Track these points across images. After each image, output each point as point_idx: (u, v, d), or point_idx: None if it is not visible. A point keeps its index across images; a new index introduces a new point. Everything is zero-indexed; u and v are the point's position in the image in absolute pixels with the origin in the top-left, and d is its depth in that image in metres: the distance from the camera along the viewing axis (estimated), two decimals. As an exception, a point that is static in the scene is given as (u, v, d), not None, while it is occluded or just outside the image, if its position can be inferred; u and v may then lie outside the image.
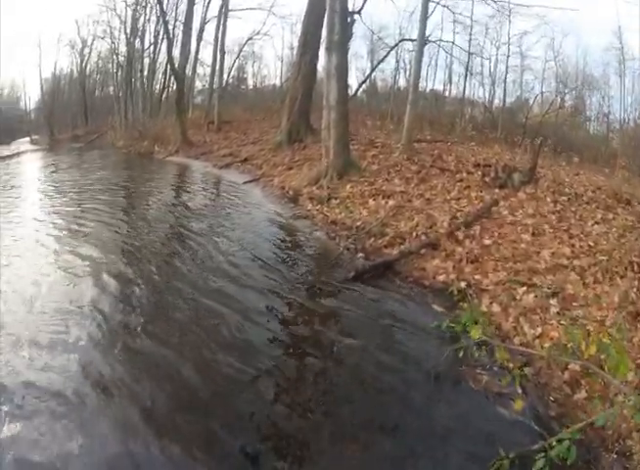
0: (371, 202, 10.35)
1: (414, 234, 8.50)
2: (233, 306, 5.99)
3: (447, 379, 4.66)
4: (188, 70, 30.82)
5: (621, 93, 22.91)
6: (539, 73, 25.32)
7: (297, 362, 5.02)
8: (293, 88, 18.43)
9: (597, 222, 8.79)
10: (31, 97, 45.77)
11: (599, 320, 5.47)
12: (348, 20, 13.31)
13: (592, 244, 7.72)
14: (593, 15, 24.26)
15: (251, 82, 38.26)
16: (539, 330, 5.47)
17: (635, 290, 6.11)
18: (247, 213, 10.76)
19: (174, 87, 27.67)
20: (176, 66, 24.84)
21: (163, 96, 33.47)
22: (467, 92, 27.29)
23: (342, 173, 11.91)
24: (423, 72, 27.64)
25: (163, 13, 25.56)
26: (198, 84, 35.22)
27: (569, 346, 4.07)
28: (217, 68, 27.14)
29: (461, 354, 4.48)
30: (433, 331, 5.51)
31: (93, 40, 38.79)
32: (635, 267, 6.70)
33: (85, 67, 41.58)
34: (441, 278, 7.02)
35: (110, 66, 37.73)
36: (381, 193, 10.71)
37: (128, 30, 31.71)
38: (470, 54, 24.49)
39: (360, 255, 8.06)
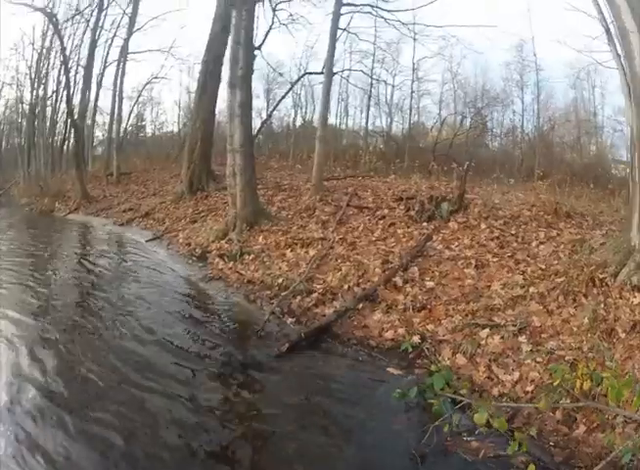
0: (289, 253, 9.44)
1: (345, 287, 7.70)
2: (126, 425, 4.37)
3: (436, 457, 4.01)
4: (88, 119, 29.27)
5: (522, 105, 23.65)
6: (437, 97, 25.67)
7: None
8: (192, 133, 17.47)
9: (542, 242, 8.36)
10: None
11: (576, 348, 5.22)
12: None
13: (544, 266, 7.24)
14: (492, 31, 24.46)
15: (149, 129, 36.85)
16: (516, 374, 5.08)
17: (603, 306, 5.81)
18: (150, 282, 9.35)
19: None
20: (75, 115, 23.56)
21: (65, 148, 31.11)
22: (365, 123, 27.34)
23: (253, 223, 10.93)
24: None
25: (65, 57, 24.03)
26: (98, 134, 33.27)
27: (556, 385, 3.92)
28: (116, 115, 26.15)
29: (446, 428, 3.85)
30: (397, 403, 4.61)
31: (1, 88, 35.73)
32: (596, 282, 6.25)
33: None
34: (389, 335, 6.33)
35: (15, 116, 34.65)
36: (298, 242, 9.79)
37: (34, 76, 29.48)
38: (377, 81, 24.82)
39: (289, 320, 7.07)
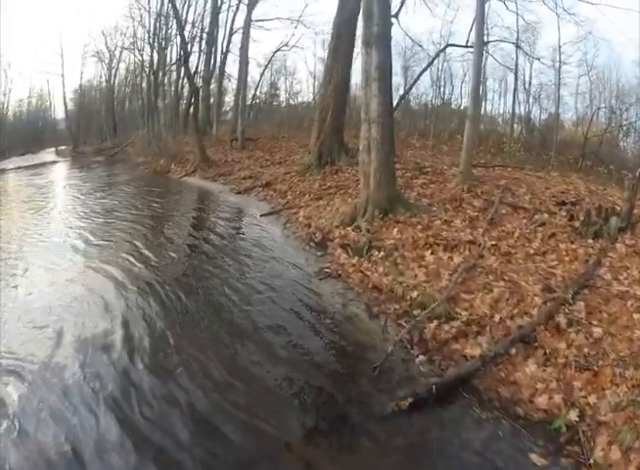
0: (428, 256, 7.46)
1: (496, 317, 5.61)
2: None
3: None
4: (213, 84, 30.17)
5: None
6: (573, 88, 23.03)
7: None
8: (323, 102, 15.77)
9: None
10: (59, 107, 44.99)
11: None
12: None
13: None
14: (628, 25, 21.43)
15: (283, 98, 36.84)
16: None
17: None
18: (256, 269, 7.93)
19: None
20: (197, 79, 23.44)
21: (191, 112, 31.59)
22: (511, 108, 25.09)
23: (387, 210, 9.03)
24: (457, 90, 26.79)
25: (179, 21, 23.49)
26: (229, 99, 33.74)
27: None
28: (242, 81, 25.43)
29: None
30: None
31: (121, 52, 38.26)
32: None
33: (114, 79, 41.03)
34: (542, 401, 4.33)
35: (138, 78, 36.39)
36: (441, 242, 7.81)
37: (154, 42, 30.35)
38: (529, 57, 22.38)
39: (419, 356, 5.15)
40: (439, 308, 5.83)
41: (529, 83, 24.35)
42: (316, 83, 32.28)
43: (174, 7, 22.04)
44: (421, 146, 19.31)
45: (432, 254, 7.53)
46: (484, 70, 24.04)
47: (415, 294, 6.37)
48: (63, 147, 39.02)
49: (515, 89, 24.09)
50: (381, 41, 9.07)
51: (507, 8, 19.07)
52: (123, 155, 29.77)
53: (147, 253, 8.81)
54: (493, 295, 6.04)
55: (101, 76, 42.11)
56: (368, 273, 7.18)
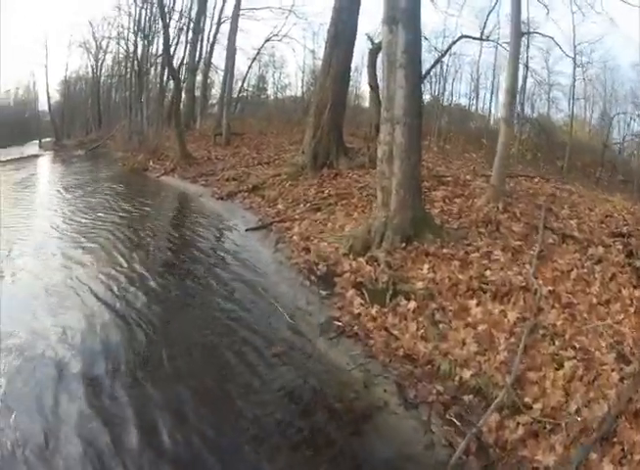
0: (474, 309, 5.54)
1: (572, 407, 4.02)
2: None
3: None
4: (199, 75, 29.13)
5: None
6: (566, 89, 21.74)
7: None
8: (320, 93, 13.87)
9: None
10: (43, 99, 43.66)
11: None
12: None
13: None
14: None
15: (271, 92, 35.99)
16: None
17: None
18: (238, 318, 5.88)
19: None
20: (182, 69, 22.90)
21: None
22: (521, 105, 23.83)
23: (410, 237, 7.03)
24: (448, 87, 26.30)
25: (162, 8, 21.45)
26: (215, 92, 32.42)
27: None
28: (229, 73, 23.89)
29: None
30: None
31: (108, 43, 36.63)
32: None
33: (100, 70, 39.73)
34: None
35: (124, 70, 35.00)
36: (487, 287, 5.91)
37: (139, 32, 28.86)
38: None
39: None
40: (500, 395, 4.14)
41: (525, 80, 23.14)
42: (305, 78, 31.97)
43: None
44: (437, 150, 17.50)
45: (478, 305, 5.62)
46: (477, 68, 24.46)
47: (468, 374, 4.52)
48: (47, 139, 37.85)
49: (525, 81, 22.59)
50: (410, 17, 7.05)
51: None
52: (105, 149, 28.01)
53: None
54: (565, 371, 4.44)
55: (87, 67, 40.81)
56: (395, 332, 5.19)
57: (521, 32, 9.91)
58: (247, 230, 9.56)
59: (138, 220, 11.07)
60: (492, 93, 25.54)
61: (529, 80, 22.59)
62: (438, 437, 3.87)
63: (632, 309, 5.62)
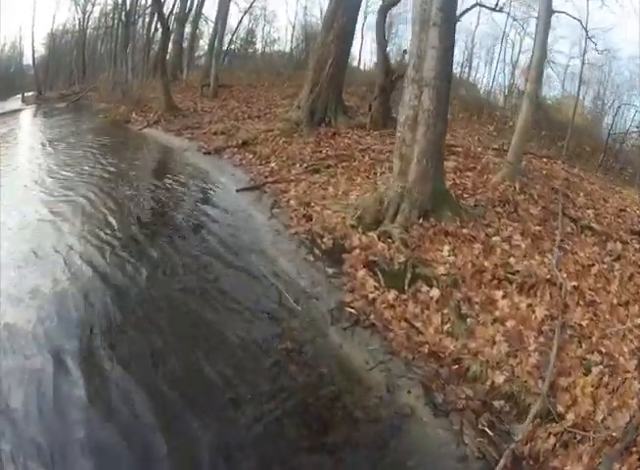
0: (501, 301, 5.04)
1: (599, 415, 3.85)
2: None
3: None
4: (188, 26, 28.16)
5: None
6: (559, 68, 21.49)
7: None
8: (322, 49, 12.91)
9: None
10: (29, 54, 41.34)
11: None
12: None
13: None
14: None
15: (259, 46, 34.36)
16: None
17: None
18: (232, 309, 4.98)
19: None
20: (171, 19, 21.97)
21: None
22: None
23: (428, 212, 6.38)
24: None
25: None
26: (203, 43, 31.36)
27: None
28: (220, 22, 22.54)
29: None
30: None
31: None
32: None
33: (87, 22, 37.88)
34: None
35: (111, 21, 33.40)
36: (512, 278, 5.43)
37: None
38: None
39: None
40: (537, 405, 3.81)
41: (518, 54, 23.42)
42: (295, 34, 30.75)
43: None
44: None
45: (504, 297, 5.12)
46: (472, 37, 23.84)
47: (501, 379, 4.06)
48: (30, 93, 35.70)
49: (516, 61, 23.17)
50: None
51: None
52: (87, 100, 26.25)
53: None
54: (592, 378, 4.21)
55: (74, 20, 38.92)
56: (418, 325, 4.58)
57: (552, 10, 9.11)
58: (237, 191, 8.69)
59: (118, 174, 10.06)
60: (487, 63, 25.31)
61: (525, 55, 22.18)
62: (471, 449, 3.47)
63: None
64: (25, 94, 35.06)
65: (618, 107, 19.87)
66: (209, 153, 11.45)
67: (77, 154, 12.06)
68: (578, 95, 19.80)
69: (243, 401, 3.67)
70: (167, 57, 19.86)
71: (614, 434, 3.64)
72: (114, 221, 7.11)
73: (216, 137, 12.63)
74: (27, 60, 41.10)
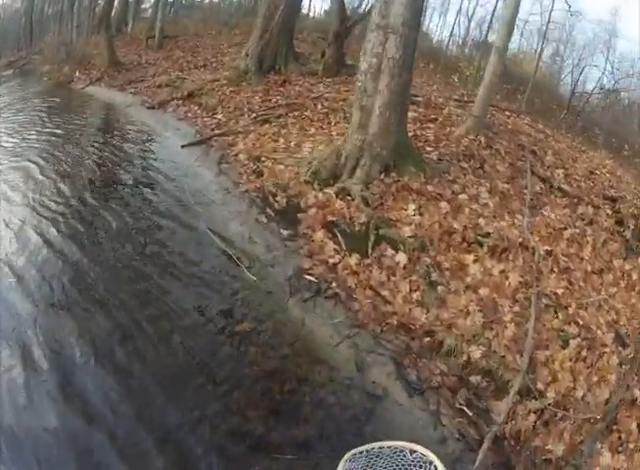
0: (472, 266, 4.71)
1: (579, 392, 3.79)
2: None
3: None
4: None
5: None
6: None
7: None
8: (273, -7, 12.11)
9: None
10: None
11: None
12: None
13: None
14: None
15: None
16: None
17: None
18: (190, 288, 4.38)
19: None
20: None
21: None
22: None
23: (390, 167, 5.87)
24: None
25: None
26: None
27: None
28: None
29: None
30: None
31: None
32: None
33: None
34: None
35: None
36: (483, 240, 5.12)
37: None
38: None
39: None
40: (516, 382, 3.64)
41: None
42: None
43: None
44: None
45: (475, 261, 4.76)
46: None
47: (478, 353, 3.77)
48: None
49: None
50: None
51: None
52: (32, 65, 24.60)
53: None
54: (570, 351, 4.12)
55: None
56: (384, 293, 4.13)
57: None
58: (183, 147, 7.95)
59: (57, 137, 9.11)
60: (441, 14, 25.30)
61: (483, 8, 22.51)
62: (450, 430, 3.27)
63: (623, 284, 5.59)
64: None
65: (584, 67, 19.89)
66: (153, 107, 10.64)
67: (23, 119, 11.02)
68: (542, 51, 19.73)
69: (200, 398, 3.21)
70: (113, 12, 18.83)
71: (593, 413, 3.59)
72: (64, 186, 6.38)
73: (160, 90, 11.78)
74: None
